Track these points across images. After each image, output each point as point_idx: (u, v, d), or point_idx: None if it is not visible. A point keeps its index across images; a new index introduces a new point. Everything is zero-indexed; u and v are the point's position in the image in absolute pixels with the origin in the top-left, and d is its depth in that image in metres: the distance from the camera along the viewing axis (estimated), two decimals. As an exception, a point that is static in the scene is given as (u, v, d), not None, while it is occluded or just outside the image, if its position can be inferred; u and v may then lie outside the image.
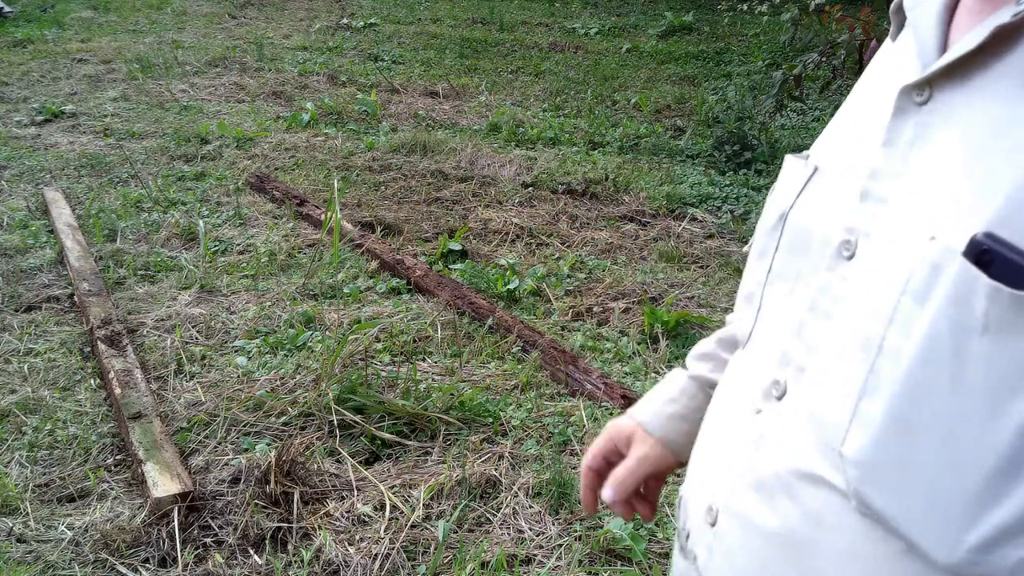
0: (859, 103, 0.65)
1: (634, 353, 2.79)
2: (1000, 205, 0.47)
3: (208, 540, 1.92)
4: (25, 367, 2.57)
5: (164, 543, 1.89)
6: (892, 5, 0.64)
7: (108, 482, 2.11)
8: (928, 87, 0.55)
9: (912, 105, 0.55)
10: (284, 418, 2.35)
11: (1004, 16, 0.50)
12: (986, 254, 0.46)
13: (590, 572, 1.88)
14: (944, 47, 0.56)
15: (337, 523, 1.99)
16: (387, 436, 2.28)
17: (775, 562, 0.60)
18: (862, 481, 0.52)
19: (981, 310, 0.46)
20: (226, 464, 2.17)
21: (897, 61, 0.62)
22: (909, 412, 0.50)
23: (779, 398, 0.61)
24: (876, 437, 0.51)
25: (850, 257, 0.57)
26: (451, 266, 3.38)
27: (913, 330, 0.49)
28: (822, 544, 0.56)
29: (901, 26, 0.64)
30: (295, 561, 1.88)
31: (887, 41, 0.68)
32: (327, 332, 2.76)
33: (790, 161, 0.69)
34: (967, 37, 0.53)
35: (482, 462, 2.21)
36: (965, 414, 0.47)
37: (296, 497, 2.01)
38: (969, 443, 0.47)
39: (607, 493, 0.84)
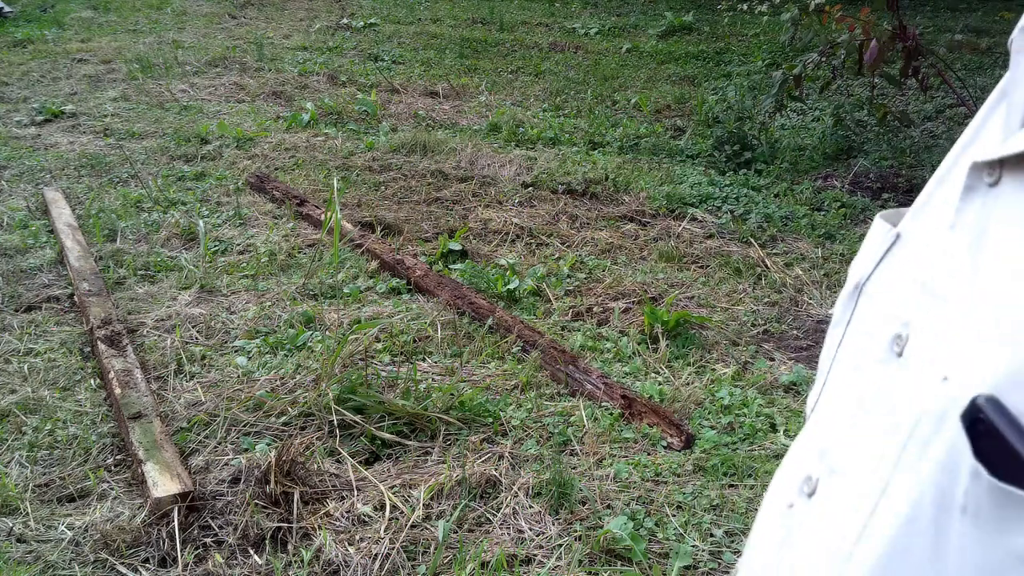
0: (950, 163, 0.54)
1: (634, 353, 2.79)
2: (1019, 360, 0.37)
3: (208, 540, 1.92)
4: (25, 367, 2.57)
5: (164, 543, 1.89)
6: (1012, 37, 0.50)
7: (108, 482, 2.11)
8: (999, 167, 0.44)
9: (982, 185, 0.45)
10: (284, 418, 2.35)
11: None
12: (980, 423, 0.37)
13: (590, 572, 1.88)
14: None
15: (337, 523, 1.99)
16: (387, 436, 2.28)
17: None
18: None
19: (963, 488, 0.39)
20: (226, 464, 2.17)
21: (985, 132, 0.51)
22: (891, 570, 0.44)
23: (809, 495, 0.55)
24: (882, 563, 0.45)
25: (899, 355, 0.48)
26: (451, 266, 3.38)
27: (908, 486, 0.43)
28: None
29: None
30: (295, 561, 1.88)
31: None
32: (327, 332, 2.76)
33: (878, 222, 0.59)
34: None
35: (482, 462, 2.21)
36: None
37: (296, 497, 2.01)
38: None
39: None
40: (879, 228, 0.58)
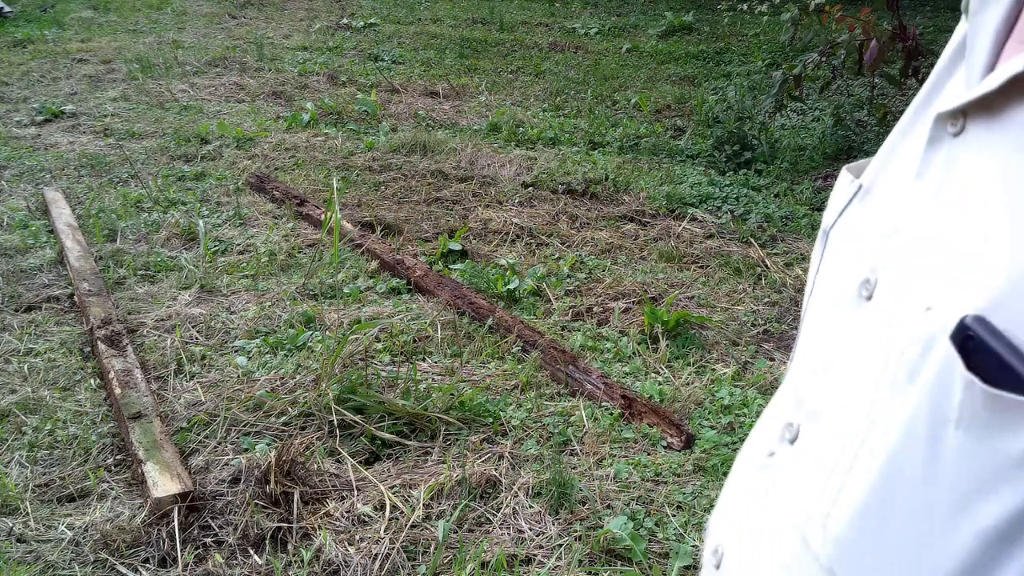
0: (911, 117, 0.58)
1: (634, 353, 2.79)
2: (999, 285, 0.41)
3: (208, 540, 1.92)
4: (25, 367, 2.57)
5: (164, 543, 1.89)
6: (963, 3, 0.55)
7: (108, 482, 2.11)
8: (963, 117, 0.48)
9: (946, 135, 0.49)
10: (284, 418, 2.35)
11: (1019, 65, 0.44)
12: (970, 340, 0.41)
13: (590, 572, 1.88)
14: (993, 69, 0.49)
15: (337, 523, 1.99)
16: (387, 436, 2.28)
17: None
18: (837, 560, 0.49)
19: (957, 401, 0.41)
20: (226, 464, 2.17)
21: (947, 85, 0.55)
22: (885, 497, 0.46)
23: (791, 442, 0.57)
24: (855, 518, 0.48)
25: (868, 298, 0.51)
26: (451, 266, 3.38)
27: (899, 409, 0.45)
28: None
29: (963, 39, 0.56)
30: (295, 561, 1.88)
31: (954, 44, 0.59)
32: (327, 332, 2.76)
33: (843, 175, 0.63)
34: (1010, 63, 0.45)
35: (482, 462, 2.21)
36: (932, 510, 0.43)
37: (296, 497, 2.01)
38: (932, 542, 0.43)
39: None
40: (844, 179, 0.61)
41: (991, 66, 0.49)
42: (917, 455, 0.43)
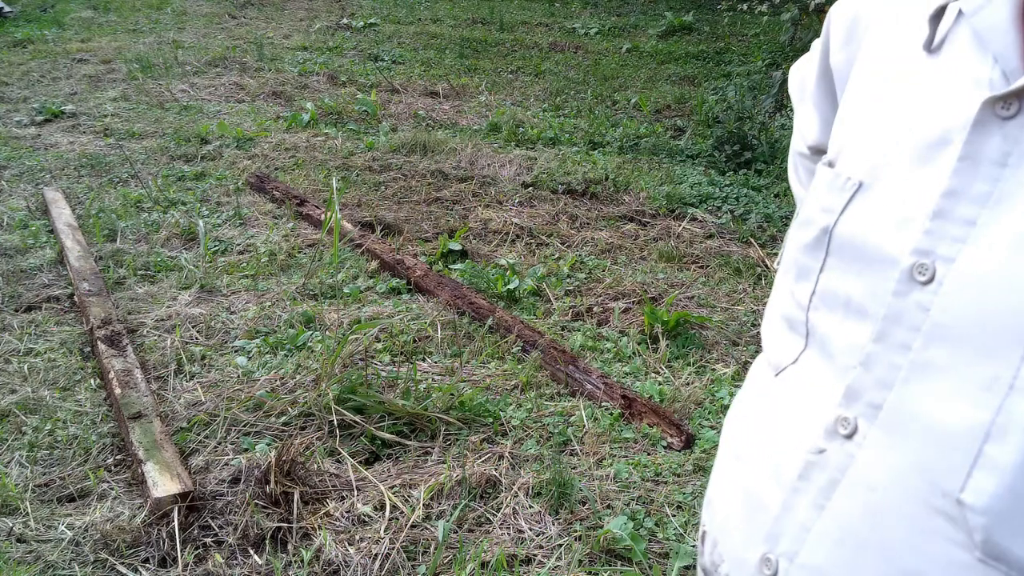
0: (898, 107, 0.60)
1: (634, 353, 2.79)
2: None
3: (208, 540, 1.92)
4: (25, 367, 2.57)
5: (164, 543, 1.89)
6: (931, 13, 0.58)
7: (108, 482, 2.11)
8: (1017, 100, 0.51)
9: (996, 119, 0.51)
10: (284, 418, 2.35)
11: None
12: None
13: (590, 572, 1.88)
14: None
15: (337, 523, 1.99)
16: (387, 436, 2.28)
17: None
18: (992, 529, 0.49)
19: None
20: (226, 464, 2.17)
21: (954, 67, 0.57)
22: None
23: (848, 436, 0.57)
24: (1009, 482, 0.48)
25: (927, 282, 0.53)
26: (451, 266, 3.38)
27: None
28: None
29: (941, 33, 0.59)
30: (295, 561, 1.88)
31: (895, 37, 0.63)
32: (327, 332, 2.76)
33: (823, 171, 0.65)
34: None
35: (482, 462, 2.21)
36: None
37: (296, 497, 2.01)
38: None
39: None
40: (828, 176, 0.64)
41: (1023, 47, 0.51)
42: None
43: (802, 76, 0.82)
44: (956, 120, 0.53)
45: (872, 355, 0.56)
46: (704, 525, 0.73)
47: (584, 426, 2.37)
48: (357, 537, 1.94)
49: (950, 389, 0.51)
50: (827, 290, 0.61)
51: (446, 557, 1.90)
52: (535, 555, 1.92)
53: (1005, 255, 0.49)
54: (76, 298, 2.96)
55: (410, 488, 2.11)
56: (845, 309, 0.59)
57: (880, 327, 0.55)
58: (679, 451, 2.30)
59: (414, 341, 2.78)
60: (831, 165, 0.65)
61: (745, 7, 7.50)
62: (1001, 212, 0.50)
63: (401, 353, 2.72)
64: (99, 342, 2.60)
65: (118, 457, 2.21)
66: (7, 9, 8.19)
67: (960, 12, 0.57)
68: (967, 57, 0.55)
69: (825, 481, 0.58)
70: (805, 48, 6.56)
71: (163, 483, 1.99)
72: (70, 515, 2.00)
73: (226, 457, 2.20)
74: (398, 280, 3.21)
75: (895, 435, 0.54)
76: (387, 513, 2.01)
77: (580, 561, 1.90)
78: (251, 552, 1.90)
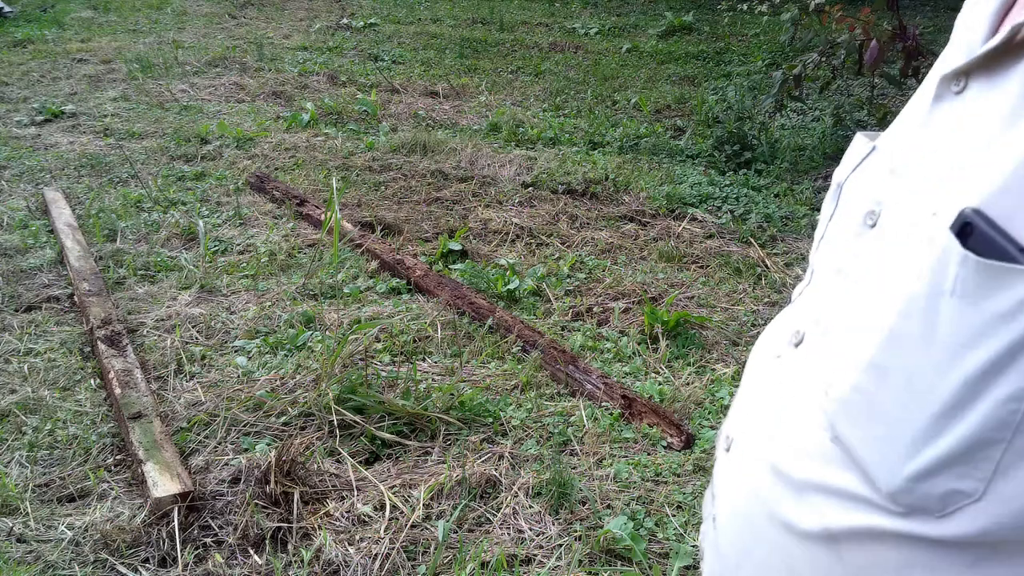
0: (919, 92, 0.70)
1: (634, 353, 2.79)
2: (992, 187, 0.52)
3: (208, 540, 1.92)
4: (25, 367, 2.57)
5: (164, 543, 1.89)
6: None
7: (108, 482, 2.11)
8: (965, 77, 0.59)
9: (949, 93, 0.60)
10: (284, 418, 2.35)
11: (1021, 15, 0.55)
12: (968, 227, 0.52)
13: (590, 572, 1.88)
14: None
15: (337, 523, 1.99)
16: (387, 436, 2.28)
17: (764, 484, 0.69)
18: (836, 415, 0.61)
19: (953, 275, 0.52)
20: (226, 464, 2.17)
21: (953, 50, 0.66)
22: (885, 360, 0.57)
23: (796, 345, 0.69)
24: (855, 379, 0.59)
25: (872, 226, 0.63)
26: (451, 266, 3.38)
27: (901, 290, 0.56)
28: (800, 471, 0.64)
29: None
30: (295, 561, 1.88)
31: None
32: (327, 332, 2.76)
33: (858, 138, 0.75)
34: (995, 36, 0.56)
35: (482, 462, 2.21)
36: (927, 364, 0.54)
37: (296, 497, 2.01)
38: (923, 389, 0.54)
39: None
40: (860, 141, 0.73)
41: (991, 34, 0.59)
42: (915, 323, 0.54)
43: None
44: (930, 95, 0.63)
45: (831, 284, 0.67)
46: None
47: (584, 426, 2.37)
48: (357, 537, 1.94)
49: (854, 310, 0.62)
50: (829, 235, 0.72)
51: (446, 557, 1.90)
52: (535, 555, 1.92)
53: (911, 205, 0.59)
54: (76, 298, 2.96)
55: (410, 488, 2.11)
56: (829, 248, 0.70)
57: (840, 261, 0.66)
58: (679, 451, 2.30)
59: (414, 341, 2.78)
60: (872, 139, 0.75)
61: (745, 7, 7.51)
62: (927, 169, 0.59)
63: (401, 353, 2.72)
64: (99, 342, 2.60)
65: (118, 457, 2.21)
66: (7, 9, 8.19)
67: None
68: (962, 39, 0.65)
69: (774, 379, 0.71)
70: (805, 48, 6.57)
71: (163, 483, 1.99)
72: (70, 515, 2.00)
73: (226, 457, 2.20)
74: (398, 280, 3.21)
75: (817, 344, 0.66)
76: (387, 513, 2.01)
77: (580, 561, 1.90)
78: (251, 552, 1.90)
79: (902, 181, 0.62)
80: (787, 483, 0.65)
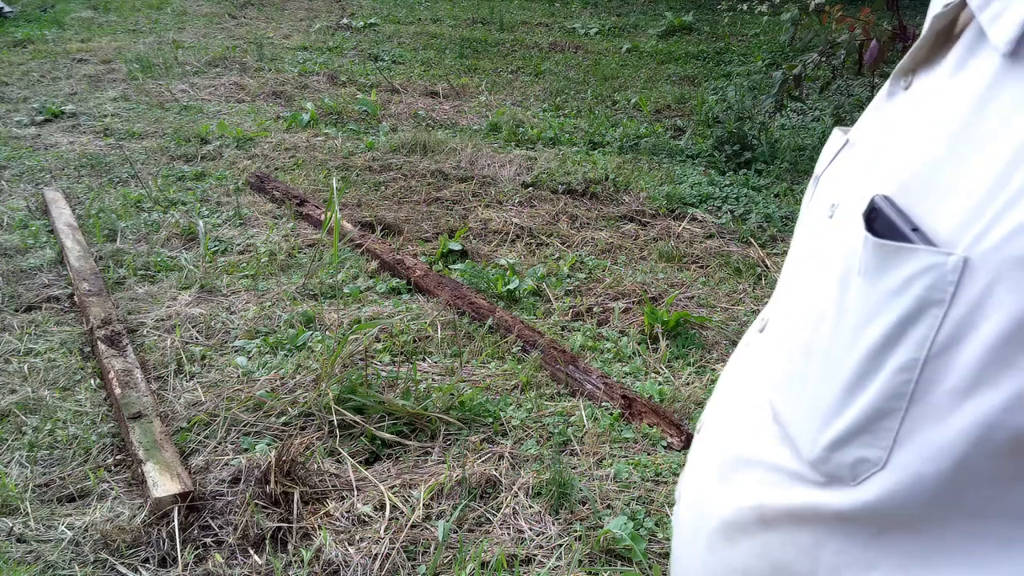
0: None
1: (634, 353, 2.79)
2: (905, 176, 0.55)
3: (208, 540, 1.92)
4: (25, 367, 2.57)
5: (164, 543, 1.89)
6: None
7: (108, 482, 2.11)
8: (911, 74, 0.62)
9: (899, 89, 0.63)
10: (284, 418, 2.35)
11: (937, 7, 0.58)
12: (874, 212, 0.55)
13: (590, 572, 1.88)
14: None
15: (337, 523, 1.99)
16: (387, 436, 2.28)
17: (712, 466, 0.73)
18: (773, 392, 0.66)
19: (859, 256, 0.55)
20: (226, 464, 2.17)
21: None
22: (811, 339, 0.61)
23: (761, 331, 0.74)
24: (788, 359, 0.64)
25: (831, 217, 0.65)
26: (451, 266, 3.38)
27: (825, 274, 0.60)
28: (745, 450, 0.69)
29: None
30: (295, 561, 1.88)
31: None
32: (327, 332, 2.76)
33: (835, 132, 0.77)
34: (930, 26, 0.59)
35: (482, 462, 2.21)
36: (839, 340, 0.57)
37: (296, 497, 2.01)
38: (836, 364, 0.57)
39: None
40: (836, 135, 0.75)
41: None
42: (832, 301, 0.58)
43: None
44: (885, 93, 0.66)
45: (795, 272, 0.70)
46: None
47: (584, 426, 2.37)
48: (357, 537, 1.94)
49: (799, 297, 0.65)
50: (805, 224, 0.74)
51: (446, 557, 1.90)
52: (535, 555, 1.92)
53: (855, 195, 0.61)
54: (76, 298, 2.96)
55: (410, 488, 2.11)
56: (800, 240, 0.73)
57: (803, 253, 0.69)
58: (679, 451, 2.30)
59: (414, 341, 2.78)
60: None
61: (745, 7, 7.50)
62: (876, 161, 0.62)
63: (401, 353, 2.72)
64: (99, 342, 2.60)
65: (118, 457, 2.21)
66: (7, 9, 8.19)
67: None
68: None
69: (740, 365, 0.76)
70: (805, 48, 6.57)
71: (163, 483, 1.99)
72: (70, 515, 2.00)
73: (226, 457, 2.20)
74: (398, 280, 3.21)
75: (774, 331, 0.70)
76: (387, 513, 2.01)
77: (580, 561, 1.90)
78: (251, 552, 1.90)
79: (855, 174, 0.64)
80: (734, 465, 0.69)
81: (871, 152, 0.63)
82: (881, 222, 0.54)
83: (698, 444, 0.80)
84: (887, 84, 0.67)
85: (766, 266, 3.45)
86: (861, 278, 0.55)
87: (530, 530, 1.99)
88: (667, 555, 1.93)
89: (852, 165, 0.66)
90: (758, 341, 0.74)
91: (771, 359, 0.68)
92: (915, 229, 0.52)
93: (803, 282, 0.66)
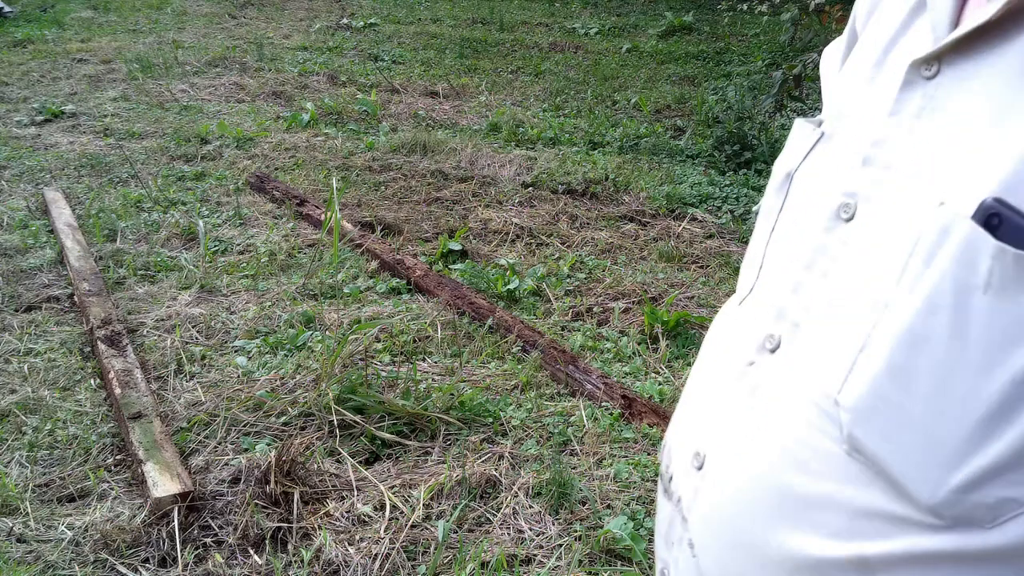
0: (866, 71, 0.67)
1: (634, 353, 2.79)
2: (1008, 174, 0.50)
3: (208, 540, 1.92)
4: (25, 367, 2.57)
5: (164, 543, 1.89)
6: None
7: (108, 482, 2.11)
8: (937, 62, 0.57)
9: (920, 79, 0.58)
10: (284, 418, 2.35)
11: (987, 14, 0.53)
12: (994, 217, 0.49)
13: (590, 572, 1.88)
14: (956, 24, 0.58)
15: (337, 523, 1.99)
16: (387, 436, 2.28)
17: (760, 504, 0.62)
18: (855, 424, 0.56)
19: (985, 269, 0.49)
20: (226, 464, 2.17)
21: (911, 35, 0.64)
22: (907, 362, 0.53)
23: (772, 351, 0.64)
24: (872, 385, 0.55)
25: (849, 219, 0.60)
26: (451, 266, 3.38)
27: (918, 287, 0.52)
28: (806, 488, 0.59)
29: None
30: (295, 561, 1.88)
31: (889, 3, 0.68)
32: (327, 332, 2.76)
33: (800, 124, 0.72)
34: (977, 13, 0.55)
35: (482, 462, 2.21)
36: (962, 365, 0.50)
37: (296, 497, 2.01)
38: (962, 391, 0.50)
39: None
40: (804, 128, 0.70)
41: (955, 18, 0.58)
42: (942, 322, 0.51)
43: (830, 56, 0.89)
44: (897, 81, 0.60)
45: (801, 282, 0.63)
46: (666, 438, 0.81)
47: (584, 426, 2.37)
48: (357, 537, 1.94)
49: (848, 309, 0.58)
50: (782, 227, 0.68)
51: (446, 557, 1.90)
52: (535, 555, 1.92)
53: (904, 195, 0.56)
54: (76, 298, 2.96)
55: (410, 488, 2.11)
56: (790, 243, 0.66)
57: (810, 257, 0.63)
58: (679, 451, 2.30)
59: (414, 341, 2.78)
60: (816, 124, 0.71)
61: (745, 7, 7.51)
62: (909, 158, 0.57)
63: (401, 353, 2.72)
64: (99, 342, 2.60)
65: (118, 457, 2.21)
66: (7, 9, 8.19)
67: None
68: (922, 24, 0.62)
69: (749, 387, 0.66)
70: (805, 48, 6.58)
71: (163, 483, 1.99)
72: (70, 515, 2.00)
73: (226, 457, 2.20)
74: (398, 280, 3.21)
75: (805, 349, 0.61)
76: (387, 513, 2.01)
77: (580, 561, 1.90)
78: (251, 552, 1.90)
79: (883, 172, 0.59)
80: (796, 505, 0.59)
81: (903, 148, 0.58)
82: (1009, 230, 0.48)
83: (716, 482, 0.67)
84: (891, 71, 0.62)
85: (766, 266, 3.45)
86: (991, 295, 0.49)
87: (530, 530, 1.99)
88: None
89: (863, 163, 0.60)
90: (773, 363, 0.64)
91: (817, 384, 0.59)
92: None
93: (840, 295, 0.59)
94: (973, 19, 0.55)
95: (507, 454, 2.25)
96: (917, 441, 0.52)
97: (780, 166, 0.72)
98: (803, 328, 0.62)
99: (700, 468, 0.69)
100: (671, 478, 0.74)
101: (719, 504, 0.66)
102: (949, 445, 0.51)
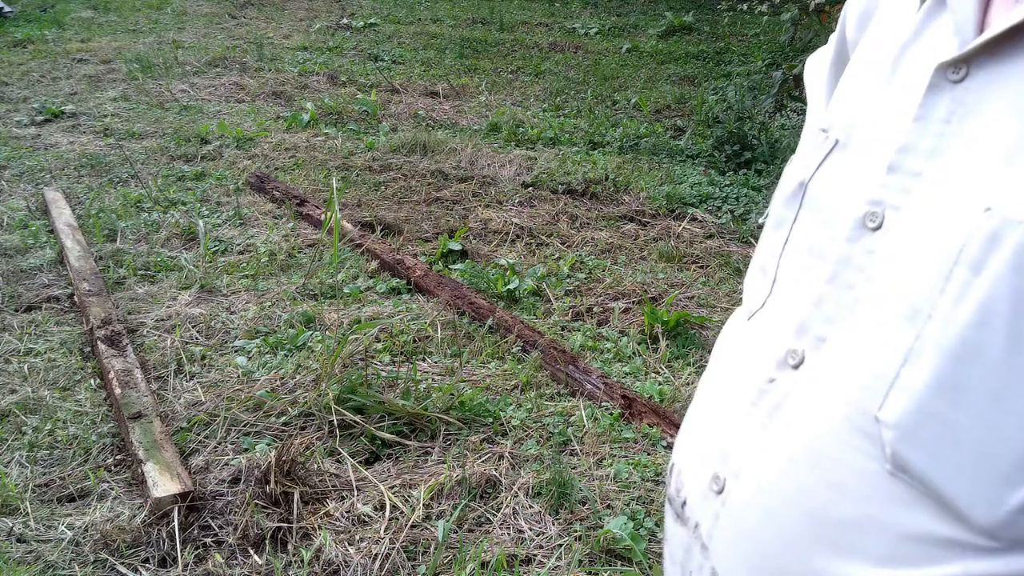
0: (879, 75, 0.64)
1: (634, 353, 2.79)
2: None
3: (208, 540, 1.92)
4: (25, 367, 2.57)
5: (164, 543, 1.89)
6: None
7: (108, 482, 2.11)
8: (965, 65, 0.55)
9: (947, 83, 0.56)
10: (284, 418, 2.35)
11: (1019, 16, 0.51)
12: None
13: (590, 572, 1.88)
14: (982, 27, 0.56)
15: (337, 523, 1.99)
16: (387, 436, 2.28)
17: (794, 529, 0.59)
18: (900, 442, 0.53)
19: None
20: (226, 464, 2.17)
21: (928, 38, 0.61)
22: (957, 376, 0.50)
23: (795, 367, 0.61)
24: (918, 400, 0.52)
25: (876, 228, 0.57)
26: (451, 266, 3.38)
27: (968, 297, 0.50)
28: (843, 511, 0.56)
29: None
30: (295, 561, 1.88)
31: (900, 8, 0.66)
32: (327, 332, 2.76)
33: (810, 131, 0.70)
34: (1008, 15, 0.53)
35: (482, 462, 2.21)
36: (1020, 377, 0.47)
37: (296, 497, 2.01)
38: (1020, 405, 0.47)
39: None
40: (815, 135, 0.68)
41: (980, 19, 0.56)
42: (998, 333, 0.48)
43: (818, 63, 0.87)
44: (919, 85, 0.58)
45: (823, 294, 0.60)
46: (673, 459, 0.77)
47: (584, 426, 2.37)
48: (357, 537, 1.94)
49: (882, 321, 0.55)
50: (797, 239, 0.66)
51: (446, 557, 1.90)
52: (535, 555, 1.92)
53: (939, 203, 0.54)
54: (76, 298, 2.96)
55: (410, 488, 2.11)
56: (807, 254, 0.64)
57: (832, 269, 0.60)
58: (679, 451, 2.30)
59: (414, 341, 2.78)
60: (824, 131, 0.69)
61: (745, 7, 7.50)
62: (941, 164, 0.55)
63: (401, 353, 2.72)
64: (99, 342, 2.60)
65: (118, 457, 2.21)
66: (7, 9, 8.19)
67: None
68: (941, 26, 0.60)
69: (771, 405, 0.62)
70: (805, 48, 6.57)
71: (163, 483, 1.99)
72: (70, 515, 2.00)
73: (226, 457, 2.20)
74: (398, 280, 3.21)
75: (834, 364, 0.58)
76: (387, 513, 2.01)
77: (580, 561, 1.90)
78: (251, 552, 1.90)
79: (912, 179, 0.56)
80: (835, 529, 0.56)
81: (935, 154, 0.55)
82: None
83: (743, 508, 0.63)
84: (909, 75, 0.60)
85: (766, 266, 3.45)
86: None
87: (530, 530, 1.99)
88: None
89: (888, 170, 0.58)
90: (797, 379, 0.61)
91: (852, 401, 0.56)
92: None
93: (872, 308, 0.56)
94: (1004, 20, 0.52)
95: (507, 454, 2.25)
96: (969, 459, 0.50)
97: (791, 176, 0.69)
98: (830, 342, 0.59)
99: (720, 492, 0.65)
100: (684, 503, 0.71)
101: (746, 531, 0.63)
102: (1006, 462, 0.48)
